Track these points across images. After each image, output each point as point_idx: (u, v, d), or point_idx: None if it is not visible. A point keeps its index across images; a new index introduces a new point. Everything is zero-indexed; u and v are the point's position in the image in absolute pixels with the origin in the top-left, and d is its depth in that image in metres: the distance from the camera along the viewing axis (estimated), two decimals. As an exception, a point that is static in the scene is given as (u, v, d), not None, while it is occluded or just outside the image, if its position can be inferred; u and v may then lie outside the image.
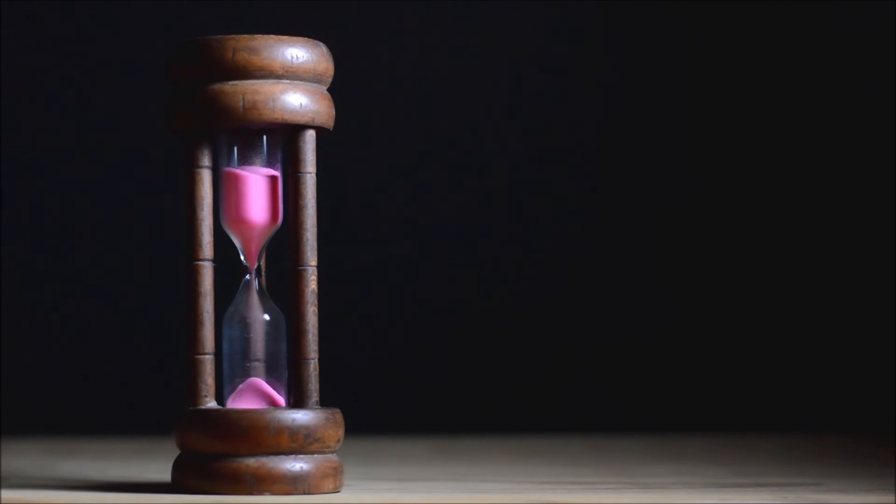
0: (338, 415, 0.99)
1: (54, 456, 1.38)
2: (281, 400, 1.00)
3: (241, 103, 0.97)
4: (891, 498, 0.98)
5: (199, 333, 0.99)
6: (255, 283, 1.02)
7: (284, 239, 1.00)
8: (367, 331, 1.78)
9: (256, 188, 1.00)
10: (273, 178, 1.01)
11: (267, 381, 1.01)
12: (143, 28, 1.77)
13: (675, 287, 1.79)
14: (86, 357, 1.77)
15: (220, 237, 1.01)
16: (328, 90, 1.01)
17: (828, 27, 1.78)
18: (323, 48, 1.00)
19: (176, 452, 1.00)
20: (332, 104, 1.00)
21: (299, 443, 0.97)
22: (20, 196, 1.77)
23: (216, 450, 0.96)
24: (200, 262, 0.99)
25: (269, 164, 1.01)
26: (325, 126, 1.00)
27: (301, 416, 0.97)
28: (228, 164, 1.01)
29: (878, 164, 1.76)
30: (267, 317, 1.01)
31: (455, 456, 1.40)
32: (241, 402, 1.00)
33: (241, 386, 1.01)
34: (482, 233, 1.80)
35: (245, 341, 1.01)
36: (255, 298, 1.02)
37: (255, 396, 1.00)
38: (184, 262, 0.99)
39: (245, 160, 1.01)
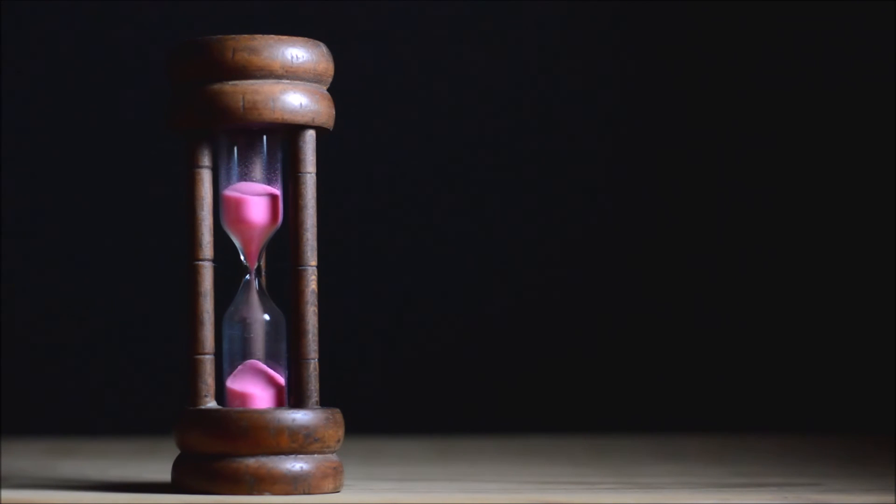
0: (338, 415, 0.99)
1: (54, 456, 1.38)
2: (280, 379, 1.00)
3: (241, 103, 0.97)
4: (891, 498, 0.98)
5: (199, 333, 0.99)
6: (255, 283, 1.02)
7: (284, 239, 1.00)
8: (367, 331, 1.78)
9: (257, 203, 1.00)
10: (274, 186, 1.01)
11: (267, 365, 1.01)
12: (143, 28, 1.77)
13: (675, 287, 1.79)
14: (86, 357, 1.77)
15: (220, 237, 1.01)
16: (328, 90, 1.01)
17: (828, 27, 1.78)
18: (323, 48, 1.00)
19: (176, 452, 1.00)
20: (332, 104, 1.01)
21: (299, 443, 0.97)
22: (20, 196, 1.77)
23: (216, 450, 0.96)
24: (200, 262, 0.99)
25: (269, 165, 1.01)
26: (325, 126, 1.00)
27: (301, 416, 0.97)
28: (228, 180, 1.01)
29: (878, 164, 1.76)
30: (267, 317, 1.01)
31: (455, 456, 1.40)
32: (240, 381, 1.00)
33: (239, 367, 1.01)
34: (482, 233, 1.80)
35: (245, 341, 1.01)
36: (255, 298, 1.02)
37: (254, 376, 1.00)
38: (184, 262, 0.99)
39: (245, 161, 1.01)
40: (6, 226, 1.76)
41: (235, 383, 1.00)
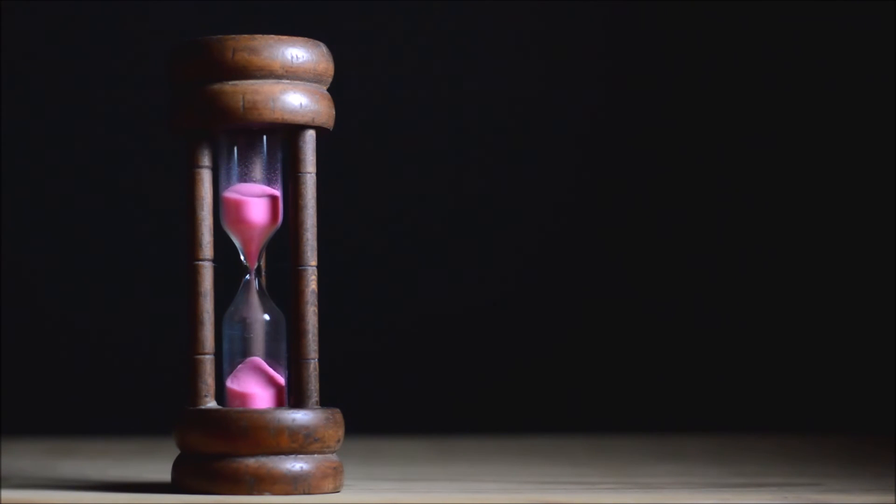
0: (338, 415, 0.99)
1: (54, 456, 1.38)
2: (280, 379, 1.00)
3: (241, 103, 0.97)
4: (891, 498, 0.98)
5: (199, 333, 0.99)
6: (255, 283, 1.02)
7: (284, 239, 1.00)
8: (367, 331, 1.78)
9: (256, 204, 1.00)
10: (274, 186, 1.01)
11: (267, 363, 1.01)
12: (143, 28, 1.77)
13: (675, 287, 1.79)
14: (86, 357, 1.77)
15: (220, 237, 1.01)
16: (328, 90, 1.01)
17: (828, 27, 1.78)
18: (323, 48, 1.00)
19: (176, 452, 1.00)
20: (332, 104, 1.01)
21: (299, 443, 0.97)
22: (20, 196, 1.77)
23: (216, 450, 0.96)
24: (200, 262, 0.99)
25: (269, 165, 1.01)
26: (325, 126, 1.00)
27: (301, 416, 0.97)
28: (228, 180, 1.01)
29: (878, 164, 1.76)
30: (267, 317, 1.01)
31: (455, 456, 1.40)
32: (240, 380, 1.00)
33: (240, 365, 1.01)
34: (483, 233, 1.80)
35: (245, 341, 1.01)
36: (255, 298, 1.02)
37: (254, 375, 1.00)
38: (184, 262, 0.99)
39: (245, 162, 1.01)
40: (6, 226, 1.76)
41: (235, 382, 1.00)
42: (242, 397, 1.00)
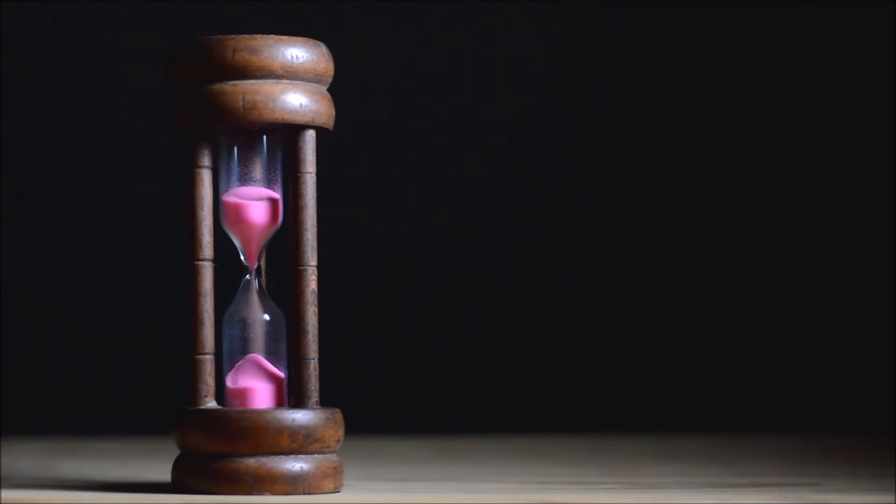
0: (338, 415, 0.99)
1: (54, 456, 1.38)
2: (280, 374, 1.00)
3: (241, 103, 0.97)
4: (891, 498, 0.98)
5: (199, 333, 0.99)
6: (255, 283, 1.02)
7: (284, 239, 1.00)
8: (367, 331, 1.78)
9: (256, 206, 1.01)
10: (274, 187, 1.01)
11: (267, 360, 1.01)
12: (143, 28, 1.77)
13: (674, 287, 1.78)
14: (86, 357, 1.77)
15: (220, 237, 1.01)
16: (328, 90, 1.01)
17: (828, 27, 1.78)
18: (323, 48, 1.00)
19: (176, 452, 1.00)
20: (332, 104, 1.01)
21: (299, 443, 0.97)
22: (20, 196, 1.77)
23: (216, 450, 0.96)
24: (200, 262, 0.99)
25: (269, 165, 1.01)
26: (325, 126, 1.00)
27: (301, 416, 0.97)
28: (228, 180, 1.01)
29: (878, 164, 1.76)
30: (267, 317, 1.01)
31: (455, 456, 1.40)
32: (240, 377, 1.00)
33: (240, 362, 1.01)
34: (482, 232, 1.80)
35: (245, 341, 1.01)
36: (255, 298, 1.02)
37: (254, 371, 1.00)
38: (184, 262, 0.99)
39: (245, 162, 1.01)
40: (6, 226, 1.76)
41: (236, 379, 1.00)
42: (242, 393, 1.00)
